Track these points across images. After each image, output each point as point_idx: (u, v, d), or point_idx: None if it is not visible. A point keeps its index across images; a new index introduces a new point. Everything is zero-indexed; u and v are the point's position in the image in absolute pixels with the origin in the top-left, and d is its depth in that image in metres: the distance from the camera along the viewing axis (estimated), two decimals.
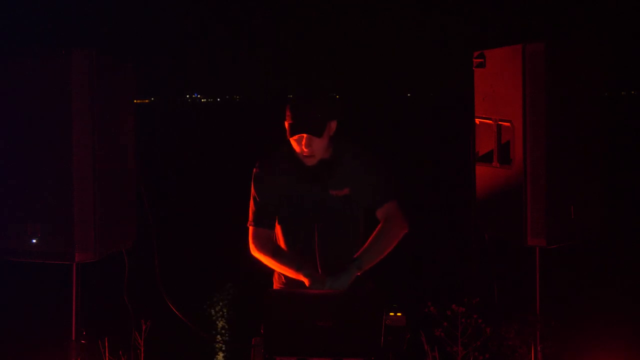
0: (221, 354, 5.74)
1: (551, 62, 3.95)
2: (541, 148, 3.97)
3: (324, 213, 3.89)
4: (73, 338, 3.98)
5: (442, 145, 24.50)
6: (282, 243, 3.96)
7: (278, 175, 3.92)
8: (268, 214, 3.94)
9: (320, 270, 3.84)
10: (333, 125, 3.85)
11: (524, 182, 4.01)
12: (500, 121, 4.13)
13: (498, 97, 4.15)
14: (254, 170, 3.96)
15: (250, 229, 3.95)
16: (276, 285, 4.02)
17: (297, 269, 3.80)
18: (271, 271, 4.02)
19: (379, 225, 3.91)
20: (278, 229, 3.98)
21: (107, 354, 4.68)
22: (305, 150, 3.82)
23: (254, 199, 3.95)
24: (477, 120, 4.31)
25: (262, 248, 3.91)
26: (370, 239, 3.87)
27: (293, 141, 3.84)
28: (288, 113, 3.79)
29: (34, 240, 3.79)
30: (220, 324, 5.77)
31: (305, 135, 3.78)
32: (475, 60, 4.27)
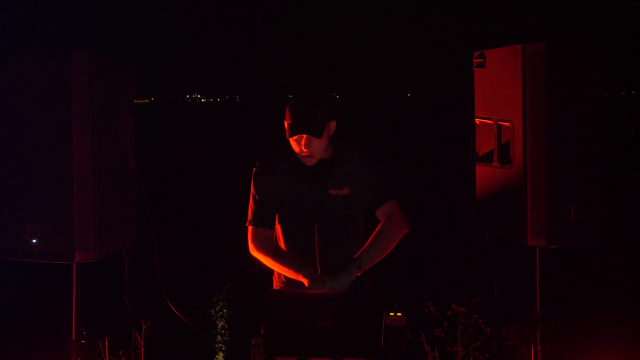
0: (221, 354, 5.73)
1: (551, 62, 3.95)
2: (541, 148, 3.97)
3: (323, 213, 3.89)
4: (73, 338, 3.97)
5: (442, 145, 24.49)
6: (282, 243, 3.96)
7: (278, 175, 3.92)
8: (268, 214, 3.93)
9: (320, 270, 3.83)
10: (333, 125, 3.85)
11: (524, 182, 4.01)
12: (500, 121, 4.13)
13: (498, 97, 4.15)
14: (254, 170, 3.96)
15: (250, 228, 3.95)
16: (276, 285, 4.02)
17: (297, 269, 3.80)
18: (271, 271, 4.02)
19: (379, 225, 3.91)
20: (278, 229, 3.97)
21: (107, 354, 4.68)
22: (304, 150, 3.82)
23: (254, 198, 3.95)
24: (477, 120, 4.31)
25: (261, 248, 3.91)
26: (370, 239, 3.87)
27: (292, 141, 3.84)
28: (287, 113, 3.79)
29: (34, 240, 3.78)
30: (220, 324, 5.76)
31: (304, 135, 3.78)
32: (475, 60, 4.27)
